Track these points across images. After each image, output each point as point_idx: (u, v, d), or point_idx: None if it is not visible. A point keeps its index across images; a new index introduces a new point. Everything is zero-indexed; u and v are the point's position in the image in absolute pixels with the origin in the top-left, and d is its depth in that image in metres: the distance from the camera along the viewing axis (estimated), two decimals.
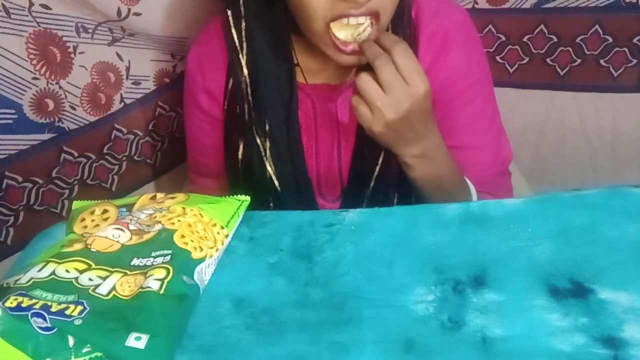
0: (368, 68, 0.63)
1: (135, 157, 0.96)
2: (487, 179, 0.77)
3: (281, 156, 0.76)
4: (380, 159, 0.75)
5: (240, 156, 0.77)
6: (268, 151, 0.75)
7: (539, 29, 1.02)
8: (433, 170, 0.69)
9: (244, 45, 0.73)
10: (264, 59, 0.73)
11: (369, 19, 0.63)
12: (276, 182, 0.76)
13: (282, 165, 0.76)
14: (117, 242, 0.53)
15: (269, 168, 0.76)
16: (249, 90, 0.74)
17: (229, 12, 0.72)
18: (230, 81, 0.76)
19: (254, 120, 0.74)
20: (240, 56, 0.73)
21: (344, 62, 0.66)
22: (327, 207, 0.80)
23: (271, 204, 0.77)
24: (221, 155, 0.80)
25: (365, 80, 0.61)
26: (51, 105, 0.80)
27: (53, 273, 0.48)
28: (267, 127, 0.74)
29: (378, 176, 0.75)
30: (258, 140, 0.75)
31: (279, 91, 0.74)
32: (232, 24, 0.72)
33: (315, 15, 0.63)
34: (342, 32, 0.63)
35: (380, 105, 0.61)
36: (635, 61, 0.99)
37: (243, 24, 0.72)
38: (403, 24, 0.72)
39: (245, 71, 0.73)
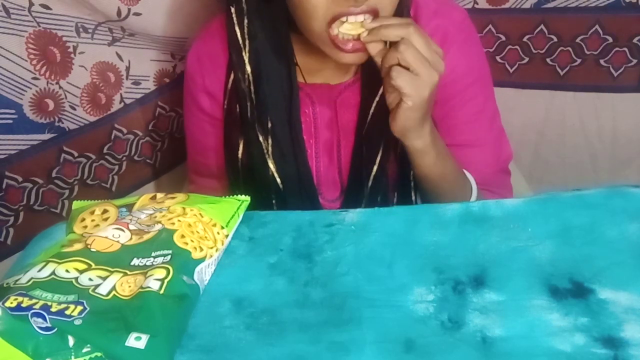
0: (370, 67, 0.63)
1: (135, 157, 0.96)
2: (488, 176, 0.78)
3: (283, 154, 0.75)
4: (378, 158, 0.75)
5: (240, 156, 0.77)
6: (270, 149, 0.75)
7: (539, 29, 1.02)
8: (439, 160, 0.69)
9: (247, 42, 0.73)
10: (265, 57, 0.73)
11: (368, 16, 0.63)
12: (278, 180, 0.76)
13: (285, 163, 0.76)
14: (117, 242, 0.53)
15: (271, 166, 0.75)
16: (251, 87, 0.74)
17: (233, 9, 0.72)
18: (230, 80, 0.76)
19: (256, 119, 0.74)
20: (243, 53, 0.73)
21: (345, 61, 0.66)
22: (327, 207, 0.80)
23: (274, 202, 0.77)
24: (221, 155, 0.80)
25: (409, 50, 0.60)
26: (51, 105, 0.80)
27: (53, 273, 0.48)
28: (269, 125, 0.74)
29: (376, 176, 0.75)
30: (260, 138, 0.75)
31: (280, 89, 0.74)
32: (235, 21, 0.72)
33: (315, 14, 0.63)
34: (342, 27, 0.63)
35: (428, 66, 0.61)
36: (635, 61, 0.99)
37: (245, 21, 0.72)
38: None
39: (248, 68, 0.73)
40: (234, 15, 0.72)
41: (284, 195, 0.77)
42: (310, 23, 0.64)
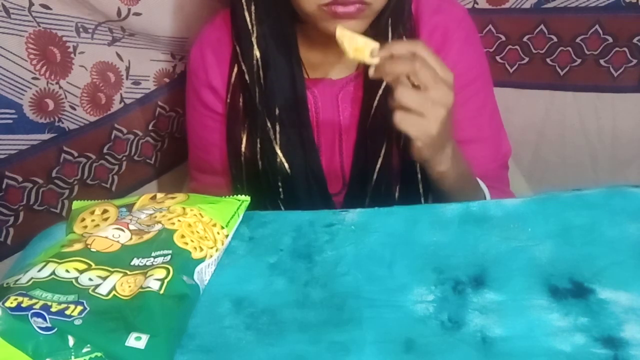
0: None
1: (135, 157, 0.96)
2: (490, 172, 0.79)
3: (291, 140, 0.76)
4: (382, 152, 0.75)
5: (243, 149, 0.77)
6: (278, 136, 0.75)
7: (539, 29, 1.02)
8: (460, 179, 0.69)
9: (255, 27, 0.74)
10: (272, 43, 0.74)
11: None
12: (286, 166, 0.76)
13: (293, 150, 0.76)
14: (117, 242, 0.53)
15: (279, 153, 0.76)
16: (260, 73, 0.74)
17: None
18: (234, 72, 0.76)
19: (264, 105, 0.75)
20: (252, 38, 0.74)
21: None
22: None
23: (281, 191, 0.77)
24: (223, 151, 0.80)
25: (406, 92, 0.59)
26: (51, 105, 0.80)
27: (53, 273, 0.48)
28: (277, 112, 0.75)
29: (380, 169, 0.76)
30: (268, 124, 0.75)
31: (285, 75, 0.75)
32: (244, 5, 0.73)
33: None
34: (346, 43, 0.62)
35: (431, 104, 0.58)
36: (635, 61, 0.99)
37: (253, 7, 0.73)
38: (403, 19, 0.73)
39: (257, 53, 0.74)
40: (243, 0, 0.73)
41: (292, 183, 0.77)
42: (303, 5, 0.65)
